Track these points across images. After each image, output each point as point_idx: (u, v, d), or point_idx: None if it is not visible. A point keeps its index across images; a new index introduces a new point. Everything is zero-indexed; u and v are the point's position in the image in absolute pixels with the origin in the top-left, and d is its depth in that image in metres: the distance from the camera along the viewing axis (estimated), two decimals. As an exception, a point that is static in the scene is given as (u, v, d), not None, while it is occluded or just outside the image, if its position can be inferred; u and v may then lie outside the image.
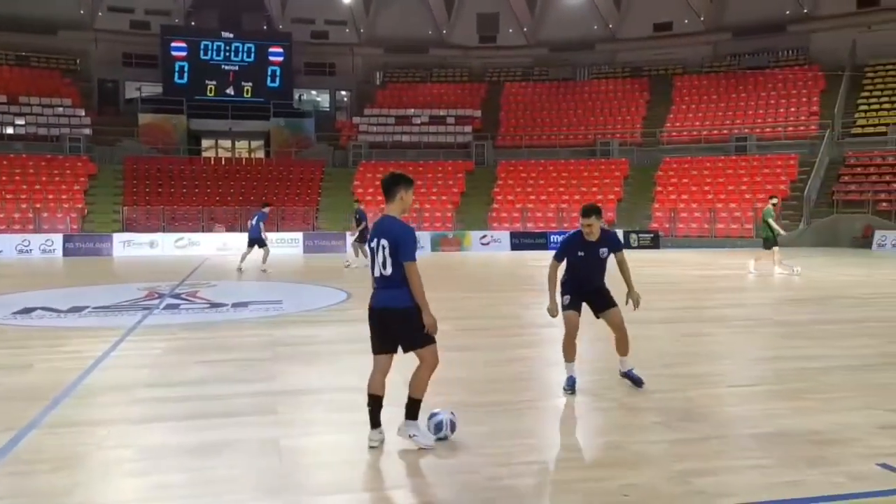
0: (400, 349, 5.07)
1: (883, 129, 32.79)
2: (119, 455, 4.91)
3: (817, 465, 4.61)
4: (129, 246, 27.59)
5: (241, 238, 27.73)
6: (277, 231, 28.92)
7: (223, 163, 37.90)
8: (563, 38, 41.98)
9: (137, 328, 9.93)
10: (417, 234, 5.34)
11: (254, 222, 18.98)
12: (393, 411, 5.08)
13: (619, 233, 30.25)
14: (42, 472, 4.56)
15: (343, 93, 43.90)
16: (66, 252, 26.86)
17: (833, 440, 5.09)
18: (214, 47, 39.00)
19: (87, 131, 35.68)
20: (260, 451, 4.93)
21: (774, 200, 17.90)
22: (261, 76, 39.44)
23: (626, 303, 6.39)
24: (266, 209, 19.50)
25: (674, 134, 36.81)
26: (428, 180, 34.24)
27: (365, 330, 5.21)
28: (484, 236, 30.60)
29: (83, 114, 36.33)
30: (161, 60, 38.96)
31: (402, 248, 4.92)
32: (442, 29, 43.39)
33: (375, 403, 5.06)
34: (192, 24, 40.81)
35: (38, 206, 30.49)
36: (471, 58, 43.93)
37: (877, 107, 33.89)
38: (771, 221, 16.83)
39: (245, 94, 39.28)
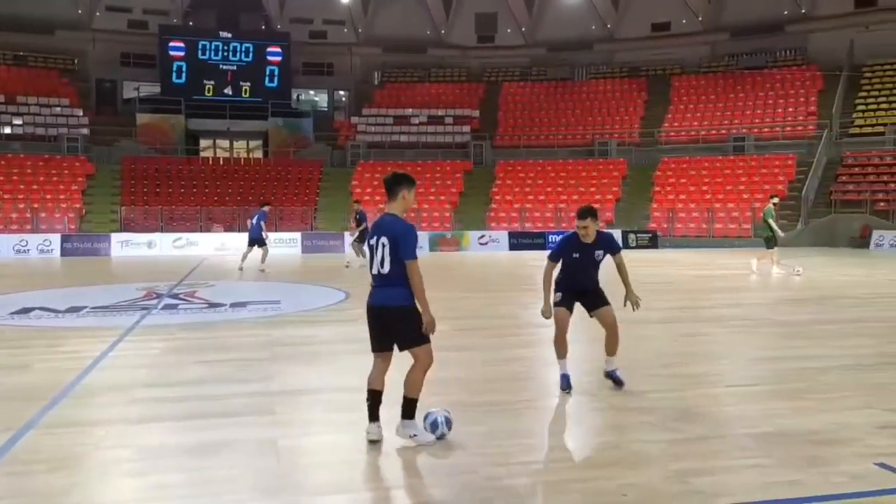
0: (396, 347, 5.09)
1: (881, 129, 32.84)
2: (117, 455, 4.91)
3: (816, 464, 4.61)
4: (127, 246, 27.56)
5: (239, 238, 27.77)
6: (276, 231, 28.89)
7: (221, 163, 37.87)
8: (562, 38, 41.99)
9: (135, 328, 9.92)
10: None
11: (254, 222, 18.98)
12: (393, 412, 5.08)
13: (618, 233, 30.27)
14: (40, 473, 4.55)
15: (341, 93, 43.88)
16: (64, 252, 26.84)
17: (831, 440, 5.10)
18: (212, 47, 38.97)
19: (85, 131, 35.65)
20: (258, 451, 4.93)
21: (775, 200, 17.87)
22: (259, 76, 39.41)
23: (625, 305, 6.39)
24: (266, 208, 19.51)
25: (672, 134, 36.84)
26: (426, 180, 34.23)
27: (363, 330, 5.24)
28: (482, 236, 30.60)
29: (81, 114, 36.30)
30: (159, 60, 38.92)
31: (404, 245, 4.93)
32: (440, 29, 43.39)
33: (374, 398, 5.09)
34: (190, 23, 40.77)
35: (35, 206, 30.45)
36: (469, 58, 43.93)
37: (874, 107, 33.94)
38: (771, 221, 16.81)
39: (243, 94, 39.25)
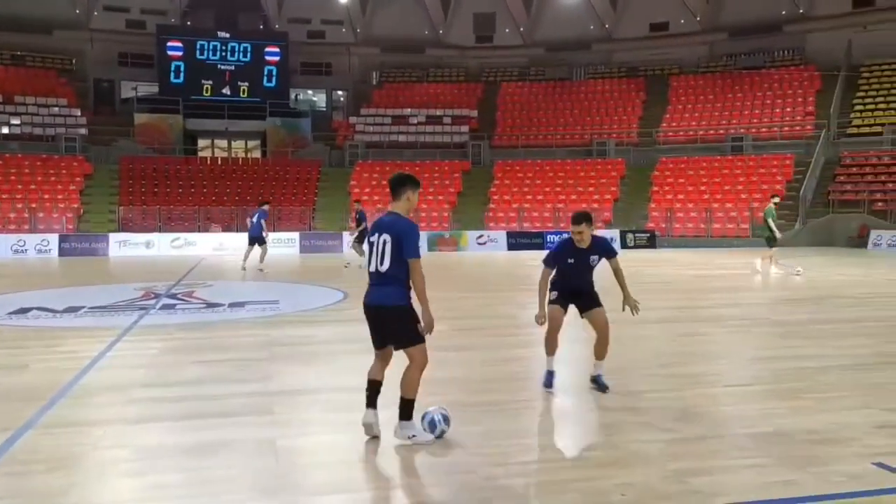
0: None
1: (878, 128, 32.88)
2: (115, 455, 4.91)
3: (814, 464, 4.62)
4: (125, 246, 27.53)
5: (237, 238, 27.76)
6: (274, 231, 28.86)
7: (219, 163, 37.84)
8: (560, 38, 42.01)
9: (134, 328, 9.91)
10: (414, 234, 5.37)
11: (254, 220, 18.98)
12: (391, 412, 5.09)
13: (616, 232, 30.33)
14: (38, 473, 4.55)
15: (339, 92, 43.86)
16: (62, 252, 26.80)
17: (829, 439, 5.10)
18: (210, 47, 38.93)
19: (83, 131, 35.60)
20: (256, 452, 4.93)
21: (776, 199, 17.88)
22: (257, 76, 39.39)
23: (623, 309, 6.38)
24: (266, 207, 19.52)
25: (670, 134, 36.86)
26: (424, 180, 34.18)
27: (362, 330, 5.28)
28: (480, 236, 30.61)
29: (79, 113, 36.25)
30: (157, 60, 38.87)
31: (407, 244, 4.92)
32: (438, 29, 43.39)
33: (373, 388, 5.13)
34: (188, 23, 40.74)
35: (33, 205, 30.41)
36: (467, 58, 43.93)
37: (872, 107, 33.99)
38: (770, 221, 16.83)
39: (241, 94, 39.22)
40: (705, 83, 39.16)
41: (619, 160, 35.96)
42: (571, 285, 6.37)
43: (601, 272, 6.42)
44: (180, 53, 38.55)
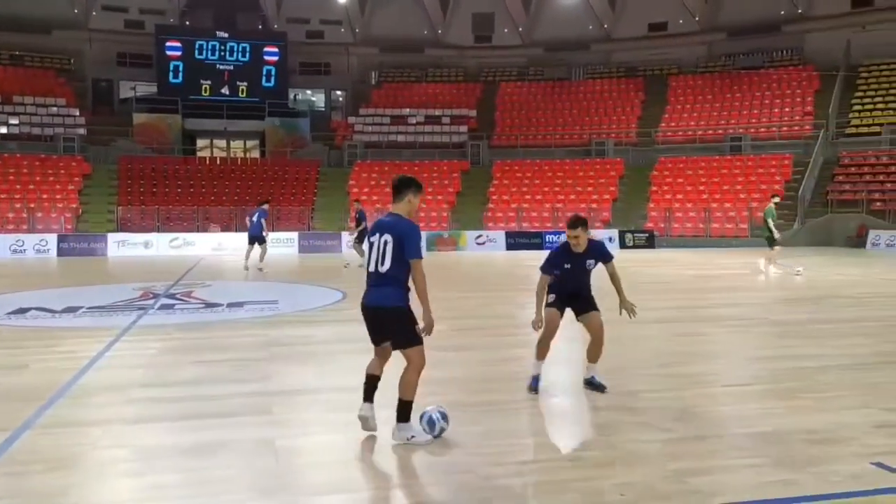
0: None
1: (877, 128, 32.90)
2: (114, 455, 4.90)
3: (812, 463, 4.62)
4: (123, 246, 27.51)
5: (236, 238, 27.76)
6: (273, 231, 28.84)
7: (218, 162, 37.80)
8: (559, 38, 42.00)
9: (132, 328, 9.90)
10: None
11: (254, 219, 18.97)
12: (389, 413, 5.09)
13: (615, 232, 30.35)
14: (37, 473, 4.55)
15: (338, 92, 43.85)
16: (61, 252, 26.77)
17: (828, 439, 5.11)
18: (209, 47, 38.91)
19: (82, 131, 35.56)
20: (255, 452, 4.93)
21: (776, 199, 17.90)
22: (256, 76, 39.37)
23: (620, 313, 6.37)
24: (265, 206, 19.50)
25: (669, 134, 36.87)
26: (423, 180, 33.75)
27: (360, 330, 5.29)
28: (479, 236, 30.61)
29: (77, 113, 36.21)
30: (156, 60, 38.85)
31: (409, 244, 4.91)
32: (437, 29, 43.38)
33: (371, 382, 5.17)
34: (187, 23, 40.71)
35: (32, 205, 30.38)
36: (466, 58, 43.93)
37: (871, 107, 34.00)
38: (770, 222, 16.85)
39: (240, 94, 39.20)
40: (704, 83, 39.17)
41: (617, 160, 35.96)
42: (568, 289, 6.37)
43: (599, 274, 6.42)
44: (179, 53, 38.53)
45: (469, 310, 12.08)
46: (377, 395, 5.18)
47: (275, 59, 39.54)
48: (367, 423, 5.10)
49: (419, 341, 4.99)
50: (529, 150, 37.63)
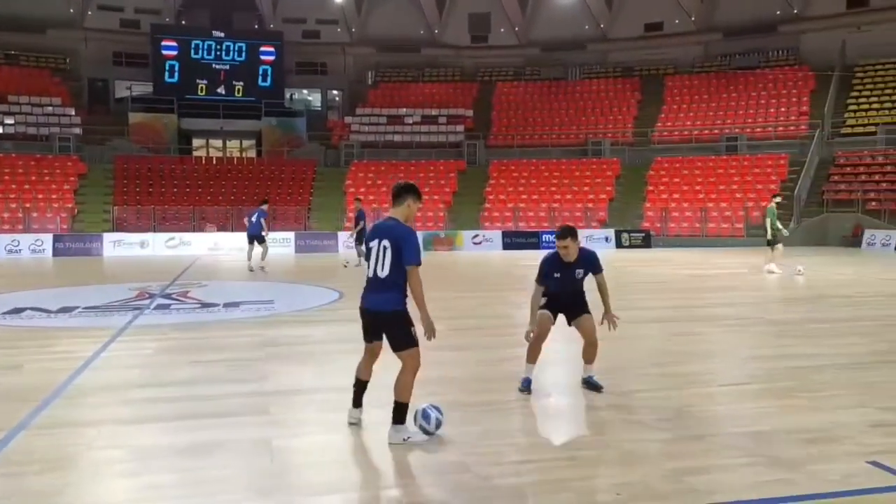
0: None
1: (872, 128, 32.98)
2: (110, 456, 4.89)
3: (808, 462, 4.63)
4: (119, 246, 27.46)
5: (232, 237, 27.77)
6: (270, 230, 28.79)
7: (214, 162, 37.75)
8: (555, 38, 42.05)
9: (128, 328, 9.88)
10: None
11: (253, 219, 18.97)
12: (385, 413, 5.08)
13: (611, 232, 30.39)
14: (32, 473, 4.54)
15: (335, 92, 43.84)
16: (56, 252, 26.72)
17: (824, 438, 5.12)
18: (205, 46, 38.87)
19: (77, 130, 35.49)
20: (252, 452, 4.92)
21: (777, 199, 17.96)
22: (252, 75, 39.34)
23: (601, 323, 6.37)
24: (265, 206, 19.49)
25: (665, 134, 36.92)
26: (420, 180, 34.16)
27: (357, 330, 5.35)
28: (476, 236, 30.61)
29: (73, 113, 36.13)
30: (151, 59, 38.80)
31: (407, 250, 4.95)
32: (434, 28, 43.39)
33: (360, 387, 5.35)
34: (183, 22, 40.67)
35: (27, 205, 30.31)
36: (462, 57, 43.93)
37: (866, 106, 34.10)
38: (768, 221, 16.86)
39: (236, 94, 39.17)
40: (700, 83, 39.24)
41: (614, 160, 35.99)
42: (560, 297, 6.38)
43: (590, 279, 6.42)
44: (175, 53, 38.49)
45: (466, 310, 12.08)
46: (376, 396, 5.18)
47: (271, 58, 39.51)
48: (356, 423, 5.30)
49: (415, 343, 5.03)
50: (526, 149, 37.65)
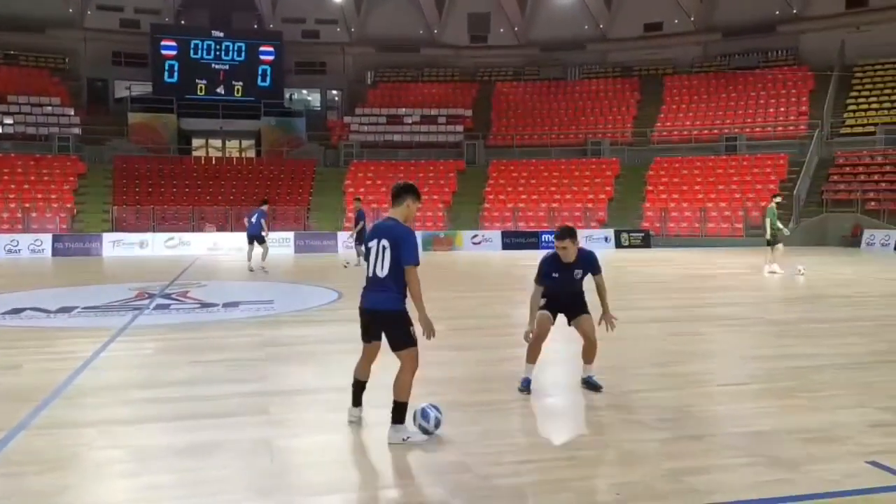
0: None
1: (871, 128, 33.01)
2: (109, 456, 4.89)
3: (808, 462, 4.63)
4: (118, 246, 27.45)
5: (232, 238, 27.77)
6: (269, 230, 28.79)
7: (213, 162, 37.75)
8: (554, 38, 42.05)
9: (128, 328, 9.88)
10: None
11: (253, 220, 18.97)
12: (384, 413, 5.09)
13: (610, 232, 30.40)
14: (32, 474, 4.53)
15: (334, 92, 43.84)
16: (56, 252, 26.71)
17: (823, 438, 5.12)
18: (205, 46, 38.86)
19: (77, 130, 35.48)
20: (251, 452, 4.92)
21: (777, 199, 17.97)
22: (251, 75, 39.34)
23: (599, 324, 6.37)
24: (265, 207, 19.49)
25: (664, 133, 36.93)
26: (419, 180, 34.13)
27: (356, 330, 5.36)
28: (475, 236, 30.62)
29: (72, 113, 36.12)
30: (151, 59, 38.79)
31: (405, 250, 4.97)
32: (433, 28, 43.39)
33: (359, 386, 5.39)
34: (183, 22, 40.68)
35: (27, 205, 30.30)
36: (462, 57, 43.93)
37: (865, 107, 34.12)
38: (767, 222, 16.88)
39: (236, 94, 39.16)
40: (699, 83, 39.26)
41: (613, 160, 36.01)
42: (559, 297, 6.38)
43: (590, 280, 6.42)
44: (174, 53, 38.48)
45: (466, 309, 12.08)
46: (376, 395, 5.18)
47: (270, 58, 39.51)
48: (356, 422, 5.33)
49: (414, 343, 5.04)
50: (525, 149, 37.65)
